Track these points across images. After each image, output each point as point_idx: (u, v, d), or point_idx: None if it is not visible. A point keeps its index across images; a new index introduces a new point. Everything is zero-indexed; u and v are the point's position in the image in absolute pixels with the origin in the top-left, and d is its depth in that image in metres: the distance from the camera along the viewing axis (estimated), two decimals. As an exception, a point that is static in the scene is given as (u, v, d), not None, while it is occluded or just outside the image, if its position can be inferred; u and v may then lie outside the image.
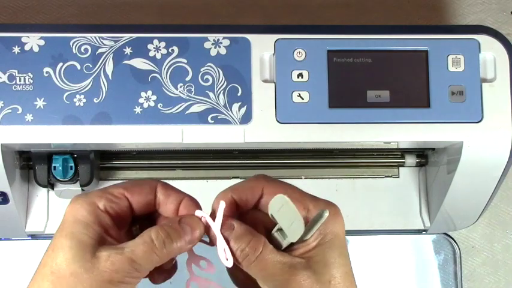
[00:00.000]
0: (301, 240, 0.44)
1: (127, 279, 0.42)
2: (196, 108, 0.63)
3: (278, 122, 0.63)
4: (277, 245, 0.45)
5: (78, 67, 0.62)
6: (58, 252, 0.42)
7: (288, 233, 0.44)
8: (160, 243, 0.43)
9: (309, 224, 0.44)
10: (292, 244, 0.45)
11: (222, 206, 0.45)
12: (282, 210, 0.43)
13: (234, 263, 0.44)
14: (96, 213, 0.43)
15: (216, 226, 0.44)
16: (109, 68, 0.63)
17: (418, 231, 0.78)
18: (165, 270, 0.47)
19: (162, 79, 0.63)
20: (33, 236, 0.74)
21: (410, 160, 0.74)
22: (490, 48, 0.65)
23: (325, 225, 0.45)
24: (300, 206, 0.45)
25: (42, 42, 0.63)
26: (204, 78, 0.63)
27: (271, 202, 0.44)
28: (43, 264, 0.42)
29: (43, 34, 0.63)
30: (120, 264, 0.41)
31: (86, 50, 0.63)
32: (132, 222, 0.47)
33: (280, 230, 0.45)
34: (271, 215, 0.45)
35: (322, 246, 0.45)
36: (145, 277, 0.45)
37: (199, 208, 0.46)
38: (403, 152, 0.74)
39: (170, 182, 0.70)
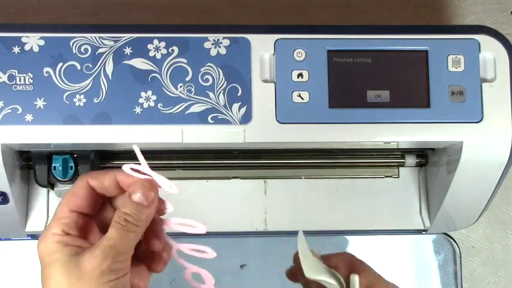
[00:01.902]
0: None
1: (116, 265, 0.44)
2: (196, 108, 0.63)
3: (278, 122, 0.63)
4: None
5: (78, 67, 0.62)
6: (50, 280, 0.45)
7: None
8: (124, 221, 0.45)
9: None
10: None
11: (136, 148, 0.48)
12: None
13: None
14: (61, 241, 0.46)
15: (144, 167, 0.47)
16: (109, 68, 0.63)
17: (418, 231, 0.78)
18: (159, 255, 0.49)
19: (162, 79, 0.63)
20: (33, 236, 0.74)
21: (410, 160, 0.74)
22: (490, 48, 0.65)
23: None
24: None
25: (42, 42, 0.63)
26: (204, 78, 0.63)
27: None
28: None
29: (43, 34, 0.63)
30: (103, 254, 0.44)
31: (86, 50, 0.63)
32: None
33: None
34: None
35: None
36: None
37: (132, 176, 0.48)
38: (403, 152, 0.74)
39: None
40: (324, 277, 0.51)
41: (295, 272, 0.57)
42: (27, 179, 0.71)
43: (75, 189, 0.48)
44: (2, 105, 0.61)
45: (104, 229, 0.48)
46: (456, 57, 0.64)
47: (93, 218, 0.49)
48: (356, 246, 0.81)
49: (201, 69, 0.63)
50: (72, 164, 0.67)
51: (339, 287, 0.51)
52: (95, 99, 0.62)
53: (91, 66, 0.62)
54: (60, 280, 0.44)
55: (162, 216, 0.49)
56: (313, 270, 0.51)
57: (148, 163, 0.72)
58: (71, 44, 0.63)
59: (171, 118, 0.62)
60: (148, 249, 0.49)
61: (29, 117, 0.61)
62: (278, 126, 0.63)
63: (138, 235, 0.46)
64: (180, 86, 0.63)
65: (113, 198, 0.49)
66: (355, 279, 0.49)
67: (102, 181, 0.48)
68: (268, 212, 0.75)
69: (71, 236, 0.46)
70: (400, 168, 0.76)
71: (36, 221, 0.72)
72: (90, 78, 0.62)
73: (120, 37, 0.63)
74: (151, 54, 0.63)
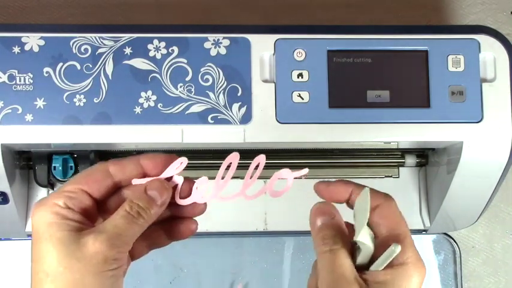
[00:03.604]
0: (371, 268, 0.45)
1: (119, 255, 0.44)
2: (196, 108, 0.63)
3: (278, 122, 0.63)
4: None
5: (78, 67, 0.62)
6: (44, 257, 0.43)
7: (361, 248, 0.45)
8: (136, 213, 0.45)
9: (380, 259, 0.44)
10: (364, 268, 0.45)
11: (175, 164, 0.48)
12: (361, 210, 0.45)
13: None
14: (60, 213, 0.44)
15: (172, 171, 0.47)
16: (109, 68, 0.63)
17: (418, 231, 0.78)
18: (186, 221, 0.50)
19: (162, 79, 0.63)
20: (33, 236, 0.74)
21: (410, 160, 0.74)
22: (490, 48, 0.65)
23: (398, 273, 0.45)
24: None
25: (42, 42, 0.63)
26: (204, 78, 0.63)
27: (358, 198, 0.46)
28: (35, 273, 0.43)
29: (43, 34, 0.63)
30: (109, 241, 0.43)
31: (86, 50, 0.63)
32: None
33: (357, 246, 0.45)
34: (354, 213, 0.47)
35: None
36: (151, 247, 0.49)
37: (158, 157, 0.48)
38: (403, 152, 0.74)
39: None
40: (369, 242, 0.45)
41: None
42: (27, 179, 0.71)
43: (91, 171, 0.47)
44: (2, 105, 0.61)
45: (102, 211, 0.47)
46: (456, 57, 0.64)
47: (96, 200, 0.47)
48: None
49: (201, 69, 0.63)
50: (72, 164, 0.67)
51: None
52: (95, 99, 0.62)
53: (91, 66, 0.62)
54: (56, 258, 0.42)
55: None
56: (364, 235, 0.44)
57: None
58: (71, 44, 0.63)
59: (171, 118, 0.62)
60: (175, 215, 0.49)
61: (29, 117, 0.61)
62: (278, 126, 0.63)
63: (142, 230, 0.46)
64: (180, 86, 0.63)
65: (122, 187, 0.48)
66: (397, 249, 0.43)
67: (124, 167, 0.47)
68: (268, 212, 0.75)
69: (73, 211, 0.44)
70: (400, 168, 0.76)
71: (36, 221, 0.72)
72: (90, 78, 0.62)
73: (120, 37, 0.63)
74: (151, 54, 0.63)
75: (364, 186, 0.48)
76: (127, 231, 0.44)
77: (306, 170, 0.49)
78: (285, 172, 0.49)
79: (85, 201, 0.46)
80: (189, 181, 0.49)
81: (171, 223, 0.50)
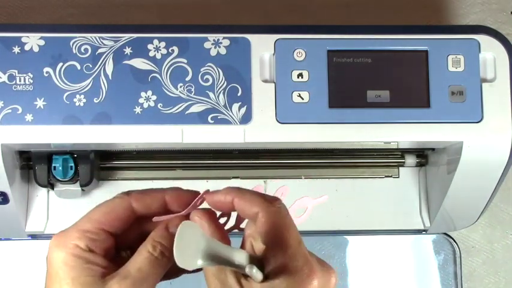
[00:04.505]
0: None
1: None
2: (196, 108, 0.63)
3: (278, 122, 0.63)
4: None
5: (78, 67, 0.62)
6: None
7: None
8: (160, 254, 0.43)
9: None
10: None
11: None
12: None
13: None
14: (83, 256, 0.42)
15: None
16: (109, 68, 0.63)
17: (418, 231, 0.78)
18: None
19: (162, 79, 0.63)
20: (33, 236, 0.74)
21: (410, 160, 0.74)
22: (490, 48, 0.65)
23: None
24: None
25: (42, 42, 0.63)
26: (204, 78, 0.63)
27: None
28: None
29: (43, 34, 0.63)
30: (134, 287, 0.41)
31: (86, 50, 0.63)
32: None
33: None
34: None
35: None
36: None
37: (182, 192, 0.45)
38: (403, 152, 0.74)
39: (170, 182, 0.70)
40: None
41: None
42: (27, 179, 0.71)
43: (113, 207, 0.44)
44: (2, 105, 0.61)
45: (120, 243, 0.45)
46: (456, 57, 0.64)
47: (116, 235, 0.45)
48: (356, 246, 0.81)
49: (201, 69, 0.63)
50: (72, 164, 0.67)
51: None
52: (95, 99, 0.62)
53: (91, 66, 0.62)
54: None
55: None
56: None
57: (148, 163, 0.73)
58: (71, 44, 0.63)
59: (171, 118, 0.62)
60: None
61: (29, 117, 0.61)
62: (278, 126, 0.63)
63: (166, 269, 0.43)
64: (180, 86, 0.63)
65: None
66: (252, 270, 0.38)
67: (149, 205, 0.45)
68: (268, 212, 0.75)
69: (95, 254, 0.43)
70: (400, 168, 0.76)
71: (36, 221, 0.72)
72: (90, 78, 0.62)
73: (120, 37, 0.63)
74: (151, 54, 0.63)
75: (251, 192, 0.43)
76: (150, 274, 0.42)
77: (325, 197, 0.47)
78: (306, 200, 0.47)
79: (107, 242, 0.44)
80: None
81: None
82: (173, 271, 0.46)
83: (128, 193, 0.45)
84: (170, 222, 0.44)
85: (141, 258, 0.42)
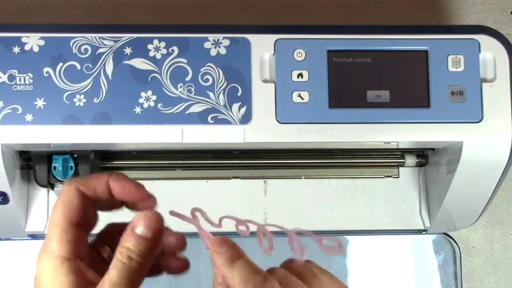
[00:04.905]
0: None
1: None
2: (196, 108, 0.63)
3: (278, 122, 0.63)
4: None
5: (78, 67, 0.62)
6: None
7: None
8: (127, 258, 0.42)
9: None
10: None
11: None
12: None
13: None
14: (72, 269, 0.42)
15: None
16: (109, 68, 0.63)
17: (418, 231, 0.78)
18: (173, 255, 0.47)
19: (162, 79, 0.63)
20: (33, 236, 0.74)
21: (410, 160, 0.74)
22: (490, 48, 0.65)
23: None
24: None
25: (42, 42, 0.63)
26: (204, 78, 0.63)
27: None
28: None
29: (43, 34, 0.63)
30: None
31: (86, 50, 0.63)
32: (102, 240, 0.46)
33: None
34: None
35: None
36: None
37: (126, 180, 0.45)
38: (403, 152, 0.74)
39: (170, 182, 0.70)
40: None
41: None
42: (27, 179, 0.71)
43: (66, 199, 0.43)
44: (2, 105, 0.61)
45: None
46: (456, 57, 0.64)
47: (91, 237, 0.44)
48: (356, 246, 0.81)
49: (201, 69, 0.63)
50: (72, 164, 0.67)
51: None
52: (95, 99, 0.62)
53: (91, 66, 0.62)
54: None
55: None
56: None
57: (148, 163, 0.73)
58: (71, 44, 0.63)
59: (171, 118, 0.62)
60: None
61: (29, 117, 0.61)
62: (278, 126, 0.63)
63: (143, 271, 0.43)
64: (180, 86, 0.63)
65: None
66: None
67: (93, 186, 0.44)
68: (268, 212, 0.75)
69: (76, 261, 0.42)
70: (400, 168, 0.76)
71: (36, 221, 0.72)
72: (90, 78, 0.62)
73: (120, 37, 0.63)
74: (151, 54, 0.63)
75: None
76: (123, 283, 0.41)
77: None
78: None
79: (81, 239, 0.43)
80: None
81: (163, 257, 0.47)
82: (152, 272, 0.46)
83: (72, 180, 0.45)
84: (133, 222, 0.43)
85: (111, 269, 0.42)
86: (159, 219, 0.44)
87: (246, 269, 0.43)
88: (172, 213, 0.45)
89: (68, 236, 0.42)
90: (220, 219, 0.45)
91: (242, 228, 0.46)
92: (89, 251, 0.44)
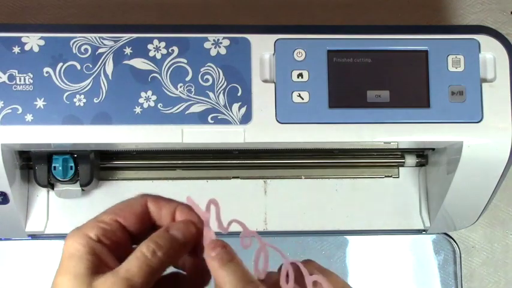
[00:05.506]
0: None
1: None
2: (196, 108, 0.63)
3: (278, 122, 0.63)
4: None
5: (78, 67, 0.62)
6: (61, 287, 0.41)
7: None
8: (152, 253, 0.42)
9: None
10: None
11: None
12: None
13: None
14: (89, 245, 0.42)
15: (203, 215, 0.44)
16: (109, 68, 0.63)
17: (418, 231, 0.78)
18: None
19: (162, 79, 0.63)
20: (33, 236, 0.74)
21: (410, 160, 0.74)
22: (490, 48, 0.65)
23: None
24: None
25: (42, 42, 0.63)
26: (204, 78, 0.63)
27: None
28: None
29: (43, 34, 0.63)
30: (116, 286, 0.40)
31: (86, 50, 0.63)
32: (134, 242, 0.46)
33: None
34: None
35: None
36: None
37: (193, 213, 0.45)
38: (403, 152, 0.74)
39: (170, 182, 0.70)
40: None
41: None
42: (27, 179, 0.71)
43: (131, 203, 0.45)
44: (2, 105, 0.61)
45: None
46: (456, 57, 0.64)
47: (131, 237, 0.45)
48: (356, 246, 0.81)
49: (201, 69, 0.63)
50: (72, 164, 0.67)
51: None
52: (95, 99, 0.62)
53: (91, 66, 0.62)
54: None
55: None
56: None
57: (148, 163, 0.73)
58: (71, 44, 0.63)
59: (171, 118, 0.62)
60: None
61: (29, 117, 0.61)
62: (278, 126, 0.63)
63: (160, 272, 0.42)
64: (180, 86, 0.63)
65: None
66: None
67: (160, 208, 0.45)
68: (268, 212, 0.75)
69: (101, 245, 0.42)
70: (400, 168, 0.76)
71: (36, 221, 0.72)
72: (90, 78, 0.62)
73: (120, 37, 0.63)
74: (151, 54, 0.63)
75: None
76: (138, 275, 0.41)
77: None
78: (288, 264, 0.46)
79: (119, 234, 0.44)
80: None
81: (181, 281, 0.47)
82: None
83: (146, 194, 0.46)
84: (171, 225, 0.44)
85: (132, 257, 0.42)
86: (193, 233, 0.44)
87: (235, 274, 0.43)
88: (188, 199, 0.45)
89: (106, 224, 0.43)
90: (229, 223, 0.45)
91: (246, 242, 0.45)
92: (123, 246, 0.44)
